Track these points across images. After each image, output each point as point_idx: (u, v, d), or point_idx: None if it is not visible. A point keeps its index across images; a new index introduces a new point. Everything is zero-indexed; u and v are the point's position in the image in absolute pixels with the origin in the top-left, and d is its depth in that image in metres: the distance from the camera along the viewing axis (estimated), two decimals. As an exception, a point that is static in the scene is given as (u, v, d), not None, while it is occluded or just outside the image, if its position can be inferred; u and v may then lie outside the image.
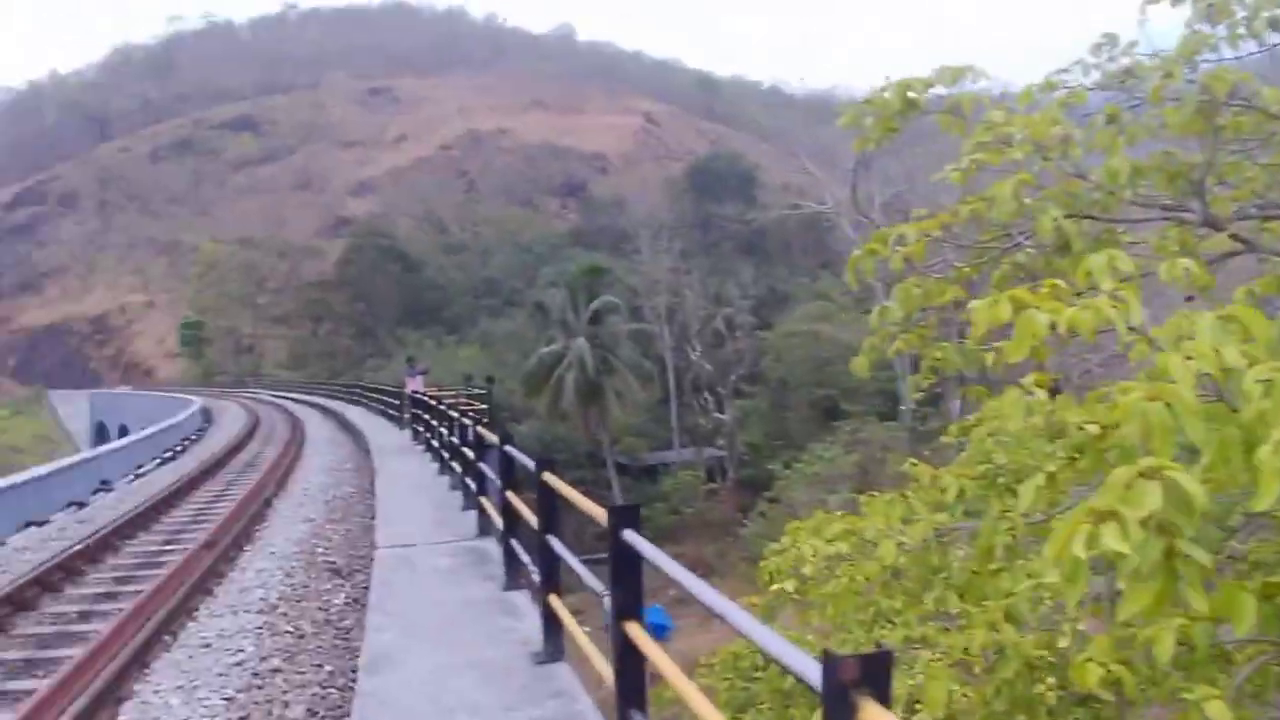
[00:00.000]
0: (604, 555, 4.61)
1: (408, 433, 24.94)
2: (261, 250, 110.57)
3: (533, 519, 7.14)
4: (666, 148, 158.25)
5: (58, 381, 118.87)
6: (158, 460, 27.95)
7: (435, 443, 16.89)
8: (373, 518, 13.31)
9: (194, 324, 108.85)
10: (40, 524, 17.40)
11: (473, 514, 11.55)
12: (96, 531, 14.16)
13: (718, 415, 55.33)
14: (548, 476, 6.80)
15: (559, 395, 41.76)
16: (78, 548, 12.95)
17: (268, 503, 16.25)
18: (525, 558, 7.84)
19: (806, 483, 40.99)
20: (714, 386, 56.55)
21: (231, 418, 45.09)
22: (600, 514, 4.74)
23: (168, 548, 13.49)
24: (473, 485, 11.43)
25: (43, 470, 19.61)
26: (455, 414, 13.51)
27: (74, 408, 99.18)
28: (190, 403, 49.28)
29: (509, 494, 8.35)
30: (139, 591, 10.47)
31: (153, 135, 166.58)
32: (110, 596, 10.96)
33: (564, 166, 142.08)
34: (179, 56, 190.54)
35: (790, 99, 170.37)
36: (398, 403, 29.18)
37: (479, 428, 10.81)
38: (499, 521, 8.91)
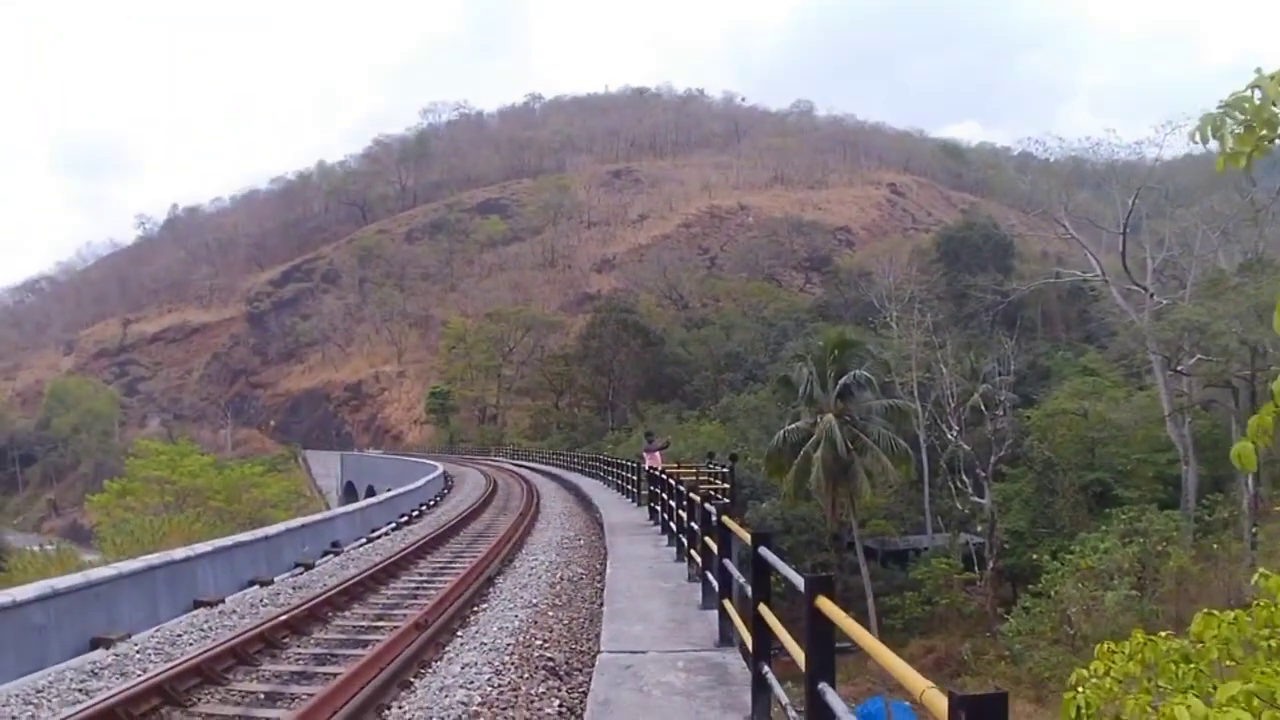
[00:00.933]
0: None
1: (644, 510, 23.22)
2: (507, 324, 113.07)
3: (797, 652, 5.21)
4: (913, 218, 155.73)
5: (314, 442, 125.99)
6: (392, 524, 27.38)
7: (673, 524, 15.11)
8: (600, 604, 11.59)
9: (441, 393, 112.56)
10: (265, 584, 16.70)
11: (713, 615, 9.66)
12: (310, 600, 13.01)
13: (976, 499, 51.20)
14: (824, 603, 4.79)
15: (805, 474, 39.18)
16: (285, 617, 11.80)
17: (490, 581, 14.77)
18: (782, 695, 5.84)
19: (1077, 576, 36.88)
20: (972, 468, 52.66)
21: (471, 485, 44.96)
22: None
23: (377, 624, 12.21)
24: (714, 581, 9.49)
25: (274, 530, 18.91)
26: (695, 497, 11.59)
27: (326, 467, 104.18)
28: (433, 468, 49.52)
29: (763, 610, 6.40)
30: (332, 676, 9.07)
31: (408, 218, 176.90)
32: (302, 678, 9.64)
33: (807, 240, 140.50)
34: (433, 145, 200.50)
35: (1044, 164, 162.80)
36: (634, 478, 27.55)
37: (726, 518, 8.72)
38: (746, 637, 7.05)
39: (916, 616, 46.46)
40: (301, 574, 18.09)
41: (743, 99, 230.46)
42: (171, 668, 9.33)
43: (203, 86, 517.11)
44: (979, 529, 50.69)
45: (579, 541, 19.86)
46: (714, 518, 8.74)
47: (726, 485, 25.11)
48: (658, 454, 25.80)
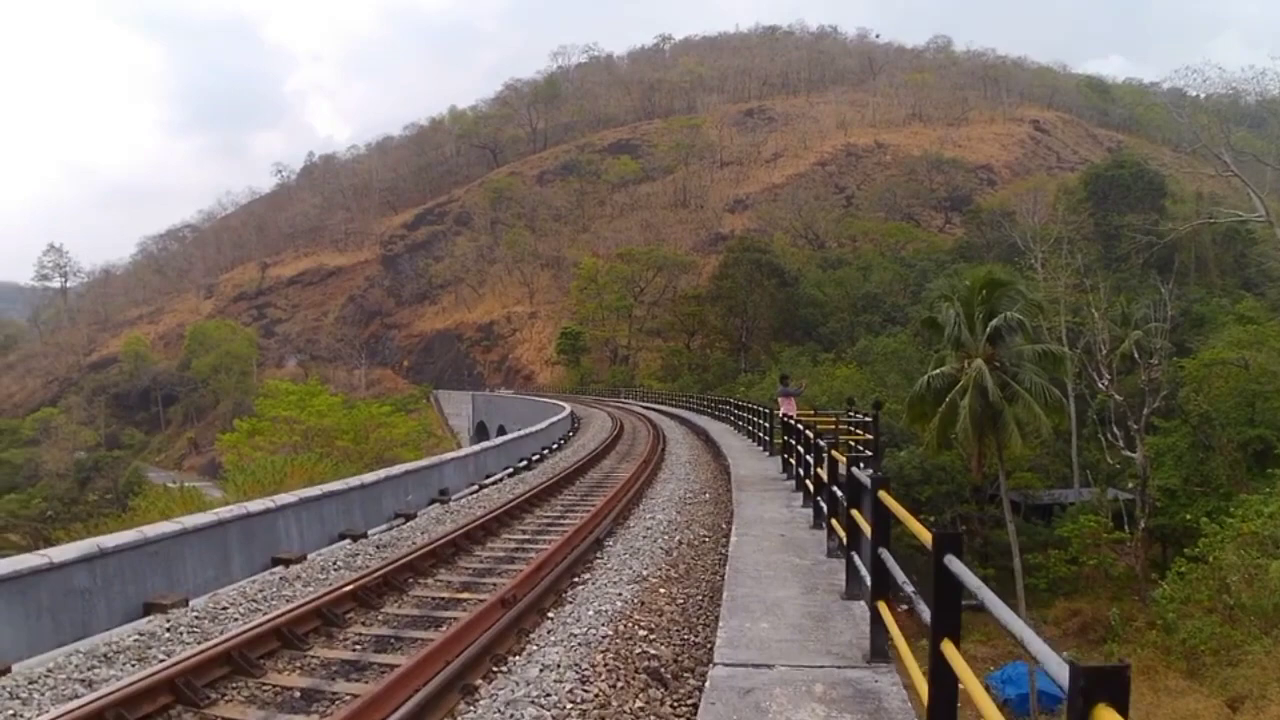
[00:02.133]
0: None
1: (777, 461, 21.00)
2: (639, 264, 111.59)
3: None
4: (1058, 157, 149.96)
5: (446, 382, 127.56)
6: (509, 470, 25.83)
7: (809, 482, 13.02)
8: (722, 577, 9.52)
9: (573, 333, 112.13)
10: (356, 537, 15.22)
11: (859, 609, 7.59)
12: (389, 563, 11.28)
13: (1127, 453, 47.60)
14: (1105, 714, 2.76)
15: (950, 423, 36.29)
16: (350, 587, 10.05)
17: (599, 544, 12.79)
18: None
19: (1238, 541, 33.54)
20: (1123, 420, 49.02)
21: (597, 427, 43.51)
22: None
23: (459, 596, 10.43)
24: (862, 568, 7.26)
25: (370, 478, 17.31)
26: (839, 456, 9.41)
27: (458, 407, 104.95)
28: (559, 410, 48.15)
29: (948, 650, 4.32)
30: (388, 669, 7.33)
31: (539, 160, 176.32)
32: (353, 668, 7.92)
33: (947, 179, 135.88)
34: (563, 88, 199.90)
35: (1195, 101, 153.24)
36: (767, 425, 25.30)
37: (887, 497, 6.29)
38: (904, 649, 5.02)
39: (1061, 576, 43.59)
40: (400, 526, 16.53)
41: (877, 35, 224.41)
42: (194, 655, 7.60)
43: (335, 38, 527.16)
44: (1130, 485, 47.28)
45: (704, 496, 17.76)
46: (870, 491, 6.44)
47: (869, 436, 22.69)
48: (793, 400, 23.40)
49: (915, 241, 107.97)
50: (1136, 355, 49.82)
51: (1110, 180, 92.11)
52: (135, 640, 8.78)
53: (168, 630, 9.16)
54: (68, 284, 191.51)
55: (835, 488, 9.31)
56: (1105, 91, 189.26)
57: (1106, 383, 48.97)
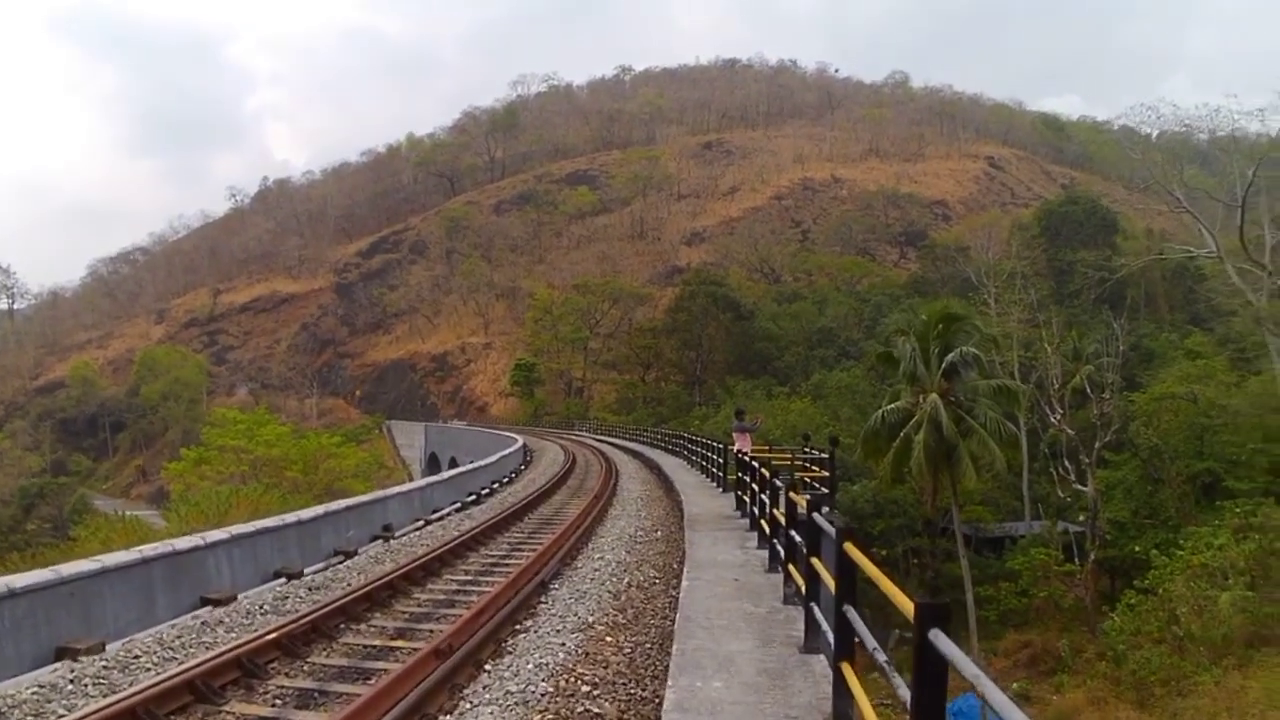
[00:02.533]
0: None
1: (731, 498, 20.49)
2: (595, 295, 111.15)
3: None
4: (1012, 193, 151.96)
5: (399, 413, 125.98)
6: (457, 504, 25.13)
7: (764, 522, 12.53)
8: (672, 623, 9.00)
9: (526, 365, 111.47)
10: (293, 576, 14.59)
11: (818, 664, 7.09)
12: (322, 607, 10.64)
13: (1078, 486, 47.66)
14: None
15: (905, 457, 36.05)
16: (276, 634, 9.38)
17: (544, 586, 12.20)
18: None
19: (1187, 574, 33.55)
20: (1074, 453, 49.11)
21: (549, 461, 42.99)
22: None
23: (392, 645, 9.79)
24: (822, 621, 6.80)
25: (309, 513, 16.63)
26: (797, 498, 8.89)
27: (410, 438, 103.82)
28: (512, 442, 47.52)
29: None
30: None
31: (497, 189, 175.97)
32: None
33: (902, 214, 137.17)
34: (522, 117, 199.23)
35: (1147, 139, 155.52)
36: (720, 460, 24.79)
37: (853, 549, 5.72)
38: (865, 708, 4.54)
39: (1012, 608, 43.25)
40: (338, 564, 15.86)
41: (836, 70, 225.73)
42: (94, 713, 6.96)
43: (294, 61, 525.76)
44: (1080, 518, 47.38)
45: (655, 534, 17.25)
46: (835, 542, 5.86)
47: (825, 473, 22.25)
48: (748, 436, 22.86)
49: (870, 276, 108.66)
50: (1089, 390, 49.90)
51: (1063, 216, 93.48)
52: (34, 694, 8.11)
53: (71, 682, 8.48)
54: (15, 306, 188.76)
55: (794, 531, 8.84)
56: (1060, 129, 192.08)
57: (1059, 417, 49.03)
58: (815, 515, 7.09)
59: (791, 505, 9.06)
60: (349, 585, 12.74)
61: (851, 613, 5.56)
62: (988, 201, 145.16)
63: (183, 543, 12.80)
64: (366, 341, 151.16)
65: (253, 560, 14.55)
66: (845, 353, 79.45)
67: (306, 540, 16.30)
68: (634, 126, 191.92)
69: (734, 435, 23.04)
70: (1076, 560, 45.19)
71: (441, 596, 12.16)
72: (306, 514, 16.51)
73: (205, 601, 12.56)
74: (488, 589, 11.90)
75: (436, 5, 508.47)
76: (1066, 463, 48.61)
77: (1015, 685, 34.98)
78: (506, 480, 33.52)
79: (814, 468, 23.05)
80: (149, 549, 12.15)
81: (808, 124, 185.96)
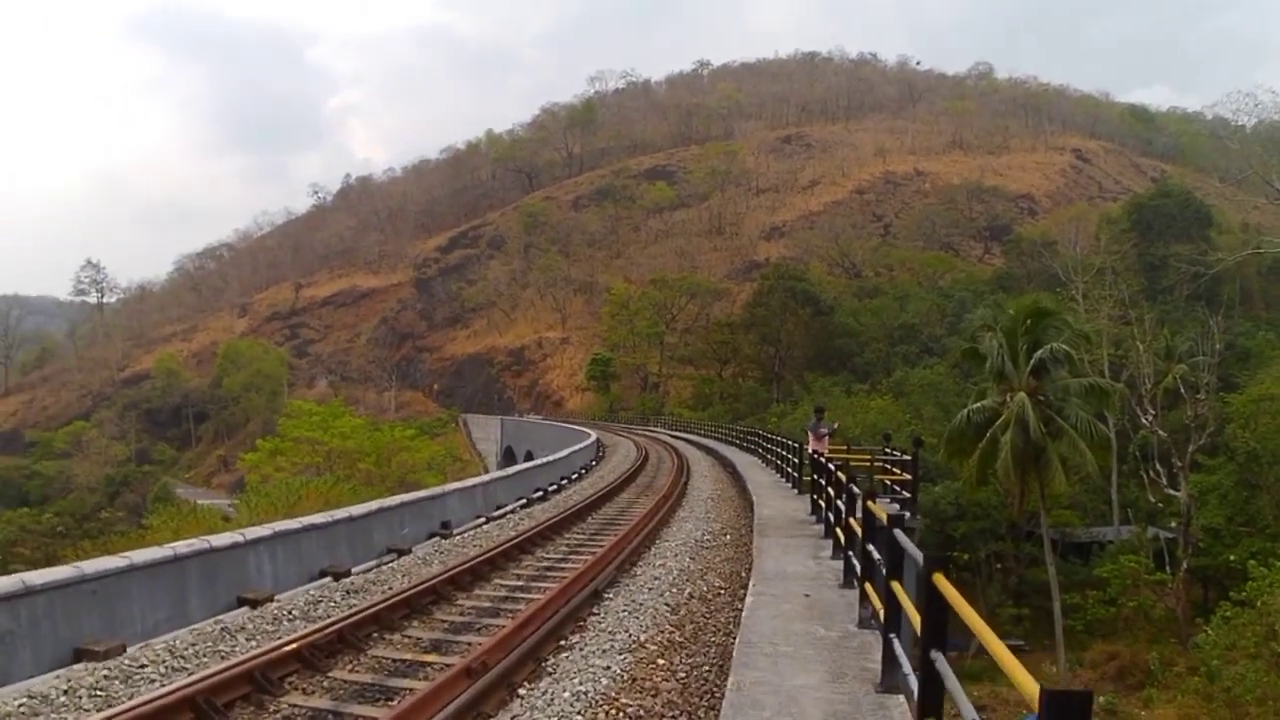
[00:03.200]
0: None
1: (805, 501, 19.41)
2: (672, 290, 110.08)
3: None
4: (1100, 186, 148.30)
5: (476, 406, 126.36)
6: (522, 501, 24.31)
7: (839, 529, 11.50)
8: (734, 643, 7.97)
9: (603, 359, 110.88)
10: (340, 575, 13.86)
11: (897, 706, 6.01)
12: (354, 614, 9.82)
13: (1170, 491, 45.62)
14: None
15: (991, 459, 34.49)
16: (296, 645, 8.55)
17: (598, 595, 11.25)
18: None
19: (1291, 588, 31.71)
20: (1167, 456, 47.03)
21: (620, 457, 42.15)
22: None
23: (423, 660, 8.89)
24: (904, 661, 5.75)
25: (360, 509, 15.89)
26: (879, 511, 7.70)
27: (486, 431, 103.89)
28: (585, 437, 46.99)
29: None
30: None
31: (575, 185, 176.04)
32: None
33: (987, 208, 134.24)
34: (600, 113, 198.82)
35: (1240, 131, 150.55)
36: (796, 460, 23.75)
37: (944, 585, 4.55)
38: None
39: (1099, 618, 41.60)
40: (390, 563, 15.11)
41: (918, 62, 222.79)
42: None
43: (375, 61, 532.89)
44: (1173, 524, 45.21)
45: (724, 538, 16.20)
46: (923, 575, 4.71)
47: (907, 475, 20.97)
48: (825, 438, 21.57)
49: (954, 271, 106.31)
50: (1182, 390, 47.98)
51: (1154, 210, 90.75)
52: (22, 706, 7.35)
53: (65, 693, 7.71)
54: (105, 300, 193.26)
55: (871, 546, 7.77)
56: (1149, 120, 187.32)
57: (1150, 418, 47.16)
58: (897, 533, 6.01)
59: (869, 516, 7.99)
60: (390, 589, 11.90)
61: (941, 662, 4.49)
62: (1075, 195, 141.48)
63: (220, 539, 12.09)
64: (444, 335, 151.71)
65: (297, 558, 13.84)
66: (928, 349, 77.65)
67: (358, 537, 15.57)
68: (712, 121, 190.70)
69: (809, 434, 21.89)
70: (1168, 569, 43.29)
71: (487, 604, 11.28)
72: (358, 510, 15.77)
73: (242, 602, 11.86)
74: (537, 597, 11.01)
75: (514, 5, 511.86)
76: (1158, 466, 46.83)
77: (1102, 699, 33.40)
78: (575, 476, 32.67)
79: (895, 470, 21.78)
80: (182, 545, 11.44)
81: (889, 117, 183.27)
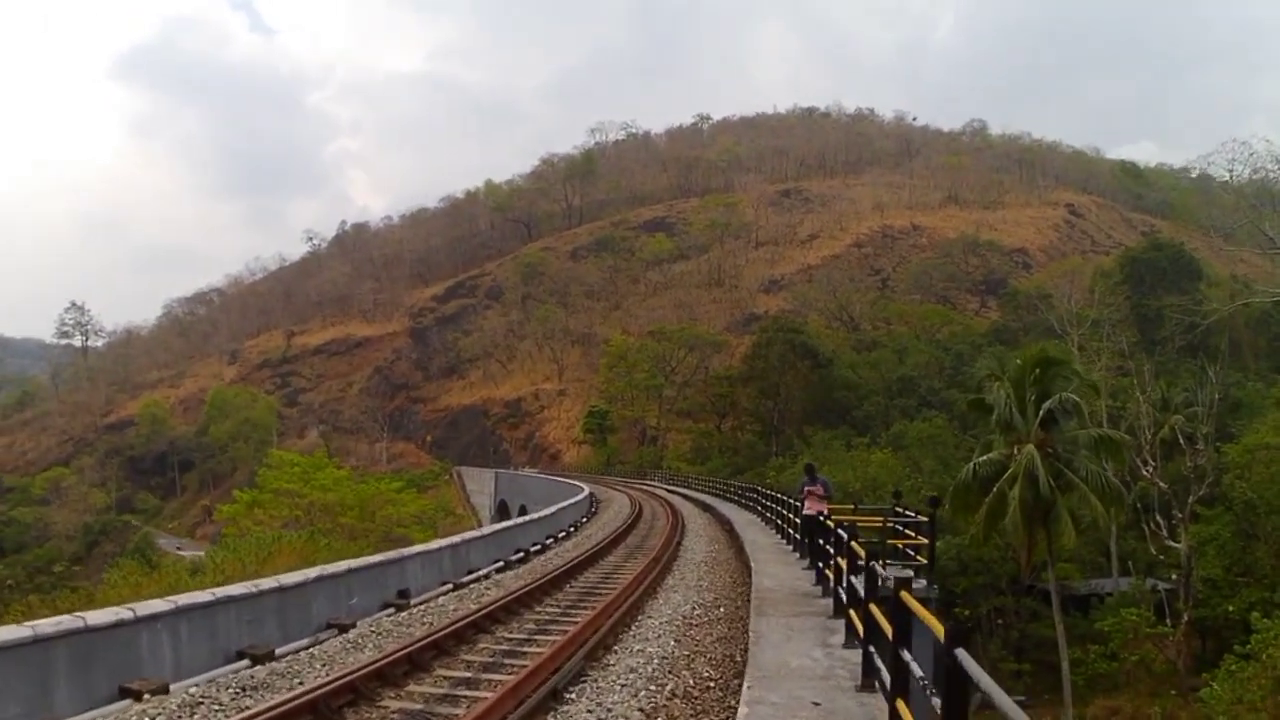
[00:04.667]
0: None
1: (807, 569, 17.28)
2: (670, 342, 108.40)
3: None
4: (1092, 240, 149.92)
5: (471, 459, 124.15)
6: (498, 564, 22.19)
7: (854, 613, 9.43)
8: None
9: (600, 412, 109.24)
10: (260, 659, 11.83)
11: None
12: (301, 697, 7.68)
13: (1170, 543, 44.24)
14: None
15: (999, 514, 32.42)
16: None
17: (556, 698, 9.08)
18: None
19: (1293, 638, 30.10)
20: (1167, 508, 45.67)
21: (612, 514, 40.41)
22: None
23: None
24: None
25: (295, 578, 13.77)
26: (915, 605, 5.60)
27: (480, 484, 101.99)
28: (578, 491, 45.75)
29: None
30: None
31: (573, 236, 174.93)
32: None
33: (983, 262, 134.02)
34: (600, 164, 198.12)
35: (1228, 185, 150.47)
36: (797, 520, 21.26)
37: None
38: None
39: (1100, 673, 40.33)
40: (328, 640, 12.96)
41: (914, 118, 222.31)
42: None
43: (375, 109, 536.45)
44: (1173, 576, 44.25)
45: (716, 612, 14.04)
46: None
47: (923, 540, 18.70)
48: (823, 500, 18.89)
49: (951, 324, 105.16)
50: (1182, 440, 46.85)
51: (1147, 263, 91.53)
52: None
53: None
54: (89, 343, 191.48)
55: (906, 652, 5.72)
56: (1138, 176, 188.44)
57: (1151, 470, 45.85)
58: (961, 656, 3.94)
59: (902, 612, 5.93)
60: (298, 688, 9.67)
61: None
62: (1068, 249, 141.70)
63: (99, 616, 10.00)
64: (440, 386, 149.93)
65: (209, 637, 11.72)
66: (926, 402, 76.32)
67: (291, 610, 13.45)
68: (712, 174, 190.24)
69: (804, 491, 19.43)
70: (1168, 620, 42.15)
71: (418, 706, 9.14)
72: (291, 578, 13.64)
73: (125, 693, 9.75)
74: (485, 695, 8.90)
75: (516, 56, 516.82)
76: (1159, 518, 45.60)
77: None
78: (563, 535, 30.52)
79: (909, 533, 19.50)
80: (47, 624, 9.34)
81: (886, 172, 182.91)
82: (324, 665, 11.10)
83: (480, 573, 20.65)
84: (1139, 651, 39.43)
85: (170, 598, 11.66)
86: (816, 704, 7.55)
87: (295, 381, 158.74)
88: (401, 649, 10.67)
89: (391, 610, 15.59)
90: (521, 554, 24.37)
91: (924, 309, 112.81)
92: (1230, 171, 78.04)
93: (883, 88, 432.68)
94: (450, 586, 18.56)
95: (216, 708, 9.12)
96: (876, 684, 7.48)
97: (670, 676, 9.84)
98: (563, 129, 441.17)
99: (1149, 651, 39.59)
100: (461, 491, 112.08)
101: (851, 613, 9.44)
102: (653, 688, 9.41)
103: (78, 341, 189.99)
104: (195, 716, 8.91)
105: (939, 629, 4.69)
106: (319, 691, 8.77)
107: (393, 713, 8.88)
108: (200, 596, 11.93)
